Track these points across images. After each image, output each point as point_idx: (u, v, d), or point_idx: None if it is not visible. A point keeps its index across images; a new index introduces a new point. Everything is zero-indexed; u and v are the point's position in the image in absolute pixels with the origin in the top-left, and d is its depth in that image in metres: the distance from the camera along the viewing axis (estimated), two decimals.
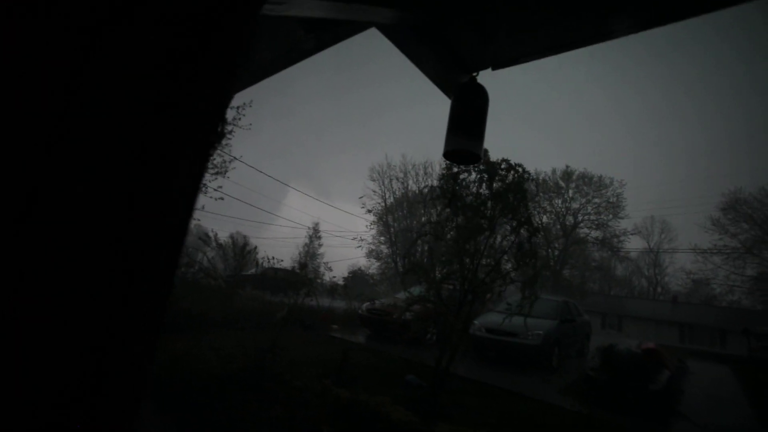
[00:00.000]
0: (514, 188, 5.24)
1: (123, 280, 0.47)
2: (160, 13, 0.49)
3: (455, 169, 5.41)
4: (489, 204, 5.34)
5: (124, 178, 0.46)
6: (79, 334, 0.44)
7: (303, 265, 9.58)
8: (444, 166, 5.70)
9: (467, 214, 5.29)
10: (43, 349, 0.41)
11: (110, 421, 0.47)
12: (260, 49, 1.37)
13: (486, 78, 1.59)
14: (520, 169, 5.35)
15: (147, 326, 0.50)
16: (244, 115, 12.79)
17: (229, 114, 13.22)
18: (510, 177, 5.32)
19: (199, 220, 13.76)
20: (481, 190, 5.43)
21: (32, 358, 0.41)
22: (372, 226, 30.22)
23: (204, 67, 0.55)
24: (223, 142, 12.64)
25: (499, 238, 6.04)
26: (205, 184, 13.10)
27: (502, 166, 5.39)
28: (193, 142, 0.55)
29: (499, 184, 5.31)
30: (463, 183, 5.47)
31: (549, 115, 67.55)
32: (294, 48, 1.41)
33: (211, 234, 9.67)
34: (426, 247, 6.19)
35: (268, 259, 11.05)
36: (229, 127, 12.98)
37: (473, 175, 5.43)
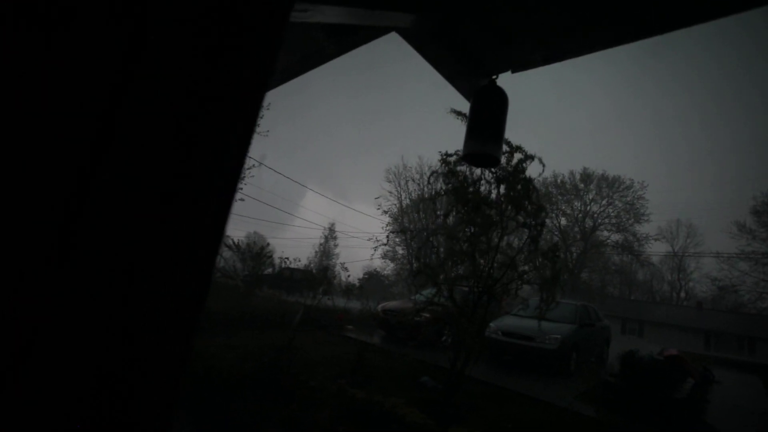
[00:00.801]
0: (517, 173, 5.03)
1: (158, 279, 0.48)
2: (202, 14, 0.50)
3: (453, 158, 5.19)
4: (497, 191, 5.14)
5: (169, 173, 0.48)
6: (116, 334, 0.45)
7: (325, 268, 9.67)
8: (440, 158, 5.40)
9: (474, 209, 5.09)
10: (76, 351, 0.43)
11: (141, 425, 0.48)
12: (282, 53, 1.39)
13: (506, 81, 1.59)
14: (522, 153, 5.11)
15: (183, 327, 0.51)
16: (262, 116, 12.98)
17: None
18: (514, 160, 5.12)
19: None
20: (484, 178, 5.23)
21: (63, 360, 0.42)
22: (387, 228, 30.25)
23: (242, 64, 0.57)
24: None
25: (516, 241, 5.90)
26: (240, 188, 13.37)
27: (504, 148, 5.07)
28: (234, 136, 0.56)
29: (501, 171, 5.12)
30: (466, 176, 5.27)
31: (569, 117, 66.69)
32: (315, 53, 1.43)
33: (228, 236, 9.86)
34: (439, 248, 6.03)
35: (285, 260, 11.20)
36: None
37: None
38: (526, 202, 4.99)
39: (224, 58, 0.55)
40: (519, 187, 5.00)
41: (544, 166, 5.45)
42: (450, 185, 5.31)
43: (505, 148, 5.08)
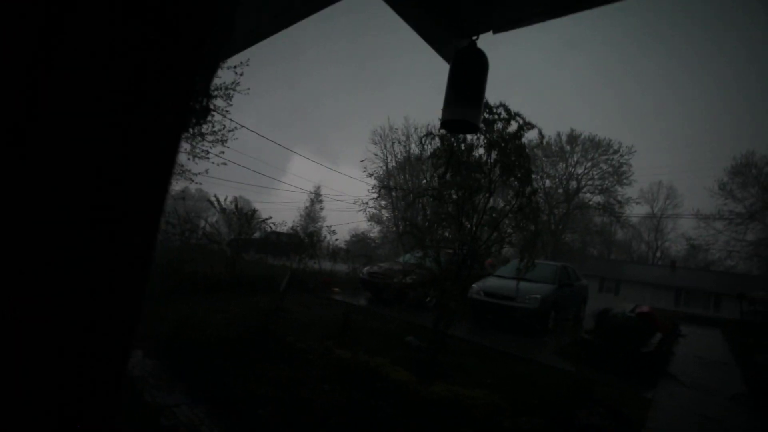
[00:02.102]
0: (511, 139, 4.89)
1: (97, 265, 0.47)
2: None
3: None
4: (489, 157, 4.99)
5: (96, 150, 0.45)
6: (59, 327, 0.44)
7: (311, 234, 9.67)
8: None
9: (464, 172, 4.98)
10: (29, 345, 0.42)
11: (94, 413, 0.48)
12: (248, 12, 1.30)
13: (486, 43, 1.52)
14: (521, 120, 4.92)
15: (123, 316, 0.51)
16: (241, 74, 12.43)
17: (227, 78, 12.83)
18: (513, 127, 4.95)
19: (200, 184, 13.76)
20: (475, 142, 5.06)
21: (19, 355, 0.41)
22: (373, 190, 30.17)
23: (175, 37, 0.52)
24: (219, 111, 12.33)
25: (501, 203, 5.90)
26: (207, 151, 12.97)
27: (500, 114, 4.93)
28: (167, 111, 0.53)
29: (496, 135, 4.94)
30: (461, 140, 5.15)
31: (552, 81, 65.67)
32: (284, 11, 1.34)
33: (213, 199, 9.69)
34: (425, 210, 6.00)
35: (271, 224, 11.15)
36: (229, 92, 12.65)
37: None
38: (516, 168, 4.92)
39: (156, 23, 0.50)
40: (510, 152, 4.89)
41: (543, 137, 5.37)
42: (443, 143, 5.17)
43: (503, 113, 4.94)
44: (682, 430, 4.11)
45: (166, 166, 0.55)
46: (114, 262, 0.49)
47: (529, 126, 4.99)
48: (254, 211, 10.44)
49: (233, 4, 0.73)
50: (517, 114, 4.96)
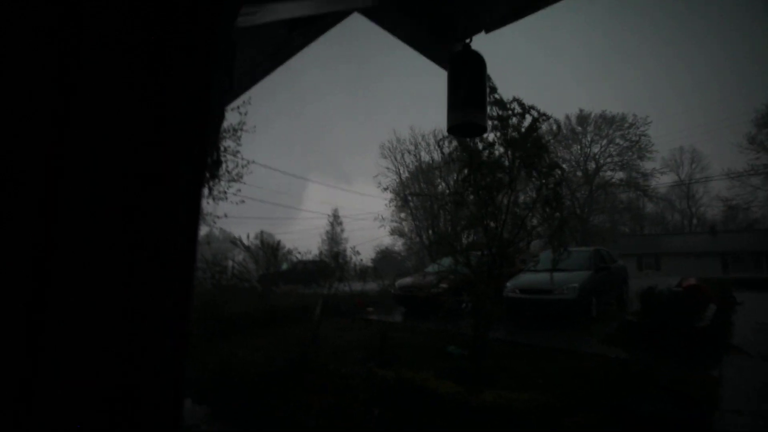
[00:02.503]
0: (528, 133, 4.83)
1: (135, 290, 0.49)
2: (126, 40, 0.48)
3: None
4: (507, 154, 4.92)
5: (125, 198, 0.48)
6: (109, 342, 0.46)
7: (336, 254, 9.73)
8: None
9: (484, 171, 4.91)
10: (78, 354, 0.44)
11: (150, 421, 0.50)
12: (244, 56, 1.34)
13: (481, 44, 1.52)
14: (535, 113, 4.87)
15: (171, 332, 0.53)
16: (246, 114, 12.87)
17: (234, 119, 13.28)
18: (527, 121, 4.89)
19: (221, 226, 14.10)
20: (494, 140, 5.00)
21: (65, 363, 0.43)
22: (390, 204, 30.21)
23: (178, 91, 0.54)
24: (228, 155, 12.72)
25: (522, 197, 5.79)
26: (224, 191, 13.34)
27: (514, 109, 4.87)
28: (186, 159, 0.55)
29: (512, 131, 4.87)
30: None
31: (554, 68, 65.05)
32: (280, 49, 1.37)
33: (237, 238, 9.91)
34: (448, 216, 5.97)
35: (296, 253, 11.27)
36: (238, 133, 13.10)
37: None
38: (538, 162, 4.84)
39: (167, 78, 0.52)
40: (529, 146, 4.82)
41: (559, 126, 5.29)
42: (464, 151, 5.14)
43: (516, 108, 4.91)
44: (760, 407, 3.83)
45: (191, 226, 0.56)
46: (154, 323, 0.50)
47: (545, 117, 4.92)
48: (278, 243, 10.61)
49: (231, 51, 0.75)
50: (532, 107, 4.91)
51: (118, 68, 0.48)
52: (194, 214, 0.56)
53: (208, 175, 0.66)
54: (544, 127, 5.19)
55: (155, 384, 0.51)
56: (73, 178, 0.44)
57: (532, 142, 4.83)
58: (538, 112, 4.91)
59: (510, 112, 4.89)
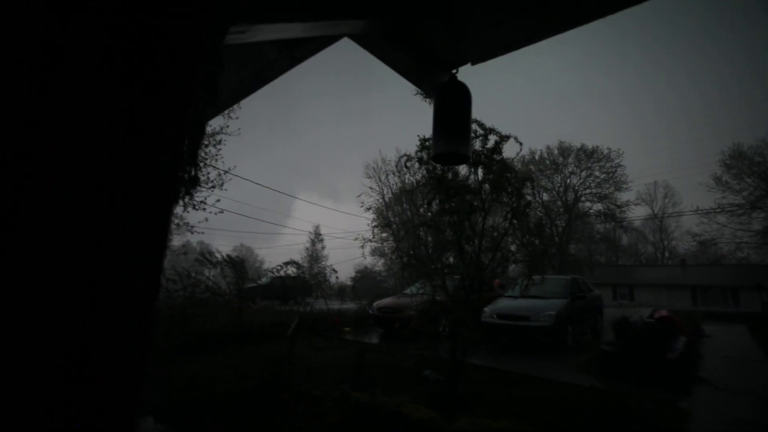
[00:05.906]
0: (491, 154, 4.90)
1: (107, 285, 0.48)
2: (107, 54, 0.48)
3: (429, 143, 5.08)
4: (474, 176, 4.99)
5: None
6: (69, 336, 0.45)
7: (315, 274, 9.57)
8: (418, 143, 5.22)
9: (455, 195, 4.93)
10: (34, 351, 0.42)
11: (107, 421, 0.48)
12: (231, 71, 1.34)
13: (467, 75, 1.57)
14: (497, 135, 4.96)
15: (135, 329, 0.51)
16: (237, 118, 12.82)
17: (215, 124, 13.13)
18: (490, 143, 4.98)
19: (203, 233, 13.73)
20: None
21: (24, 360, 0.42)
22: (373, 224, 30.21)
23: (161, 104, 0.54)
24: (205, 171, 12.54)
25: (497, 220, 5.84)
26: (203, 201, 13.06)
27: (476, 131, 4.96)
28: (161, 171, 0.55)
29: (477, 155, 4.94)
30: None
31: (536, 100, 67.66)
32: (267, 68, 1.38)
33: (206, 254, 9.61)
34: (426, 239, 5.97)
35: (274, 269, 11.04)
36: (218, 137, 12.95)
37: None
38: (506, 183, 4.93)
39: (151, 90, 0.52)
40: (495, 168, 4.92)
41: (521, 144, 5.41)
42: (430, 174, 5.19)
43: (478, 131, 5.00)
44: None
45: (158, 241, 0.55)
46: (112, 333, 0.49)
47: (506, 138, 5.02)
48: (243, 260, 10.40)
49: (216, 69, 0.75)
50: (492, 129, 5.02)
51: (95, 75, 0.48)
52: (163, 230, 0.55)
53: (183, 191, 0.65)
54: (527, 156, 5.32)
55: (108, 399, 0.48)
56: (39, 182, 0.43)
57: (498, 164, 4.92)
58: (500, 134, 5.01)
59: (473, 134, 4.98)
